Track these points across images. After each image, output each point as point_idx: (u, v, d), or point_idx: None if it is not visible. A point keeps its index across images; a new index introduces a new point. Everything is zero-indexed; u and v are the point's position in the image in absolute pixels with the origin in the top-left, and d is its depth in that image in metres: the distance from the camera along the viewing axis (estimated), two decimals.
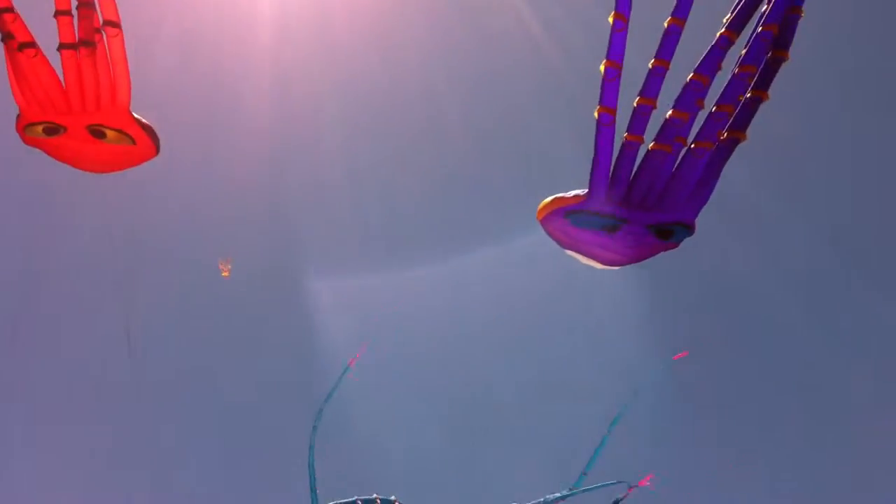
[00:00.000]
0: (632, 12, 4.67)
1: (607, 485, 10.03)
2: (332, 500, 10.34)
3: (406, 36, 20.85)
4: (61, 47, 5.29)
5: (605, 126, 4.80)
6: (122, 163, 5.95)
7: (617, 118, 4.84)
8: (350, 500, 10.46)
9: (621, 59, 4.70)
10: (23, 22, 5.23)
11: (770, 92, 4.76)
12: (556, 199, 5.22)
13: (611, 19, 4.65)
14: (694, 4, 4.72)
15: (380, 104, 21.29)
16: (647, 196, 5.04)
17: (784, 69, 4.74)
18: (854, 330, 20.70)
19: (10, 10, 5.16)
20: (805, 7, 4.67)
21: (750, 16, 4.78)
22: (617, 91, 4.74)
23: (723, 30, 4.76)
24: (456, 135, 21.57)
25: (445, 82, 21.10)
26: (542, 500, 9.91)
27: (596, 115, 4.79)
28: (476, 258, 21.66)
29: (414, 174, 22.00)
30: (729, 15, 4.83)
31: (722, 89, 4.79)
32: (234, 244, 19.65)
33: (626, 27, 4.64)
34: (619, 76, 4.70)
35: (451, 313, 22.00)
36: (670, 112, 4.82)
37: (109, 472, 20.16)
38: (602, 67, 4.71)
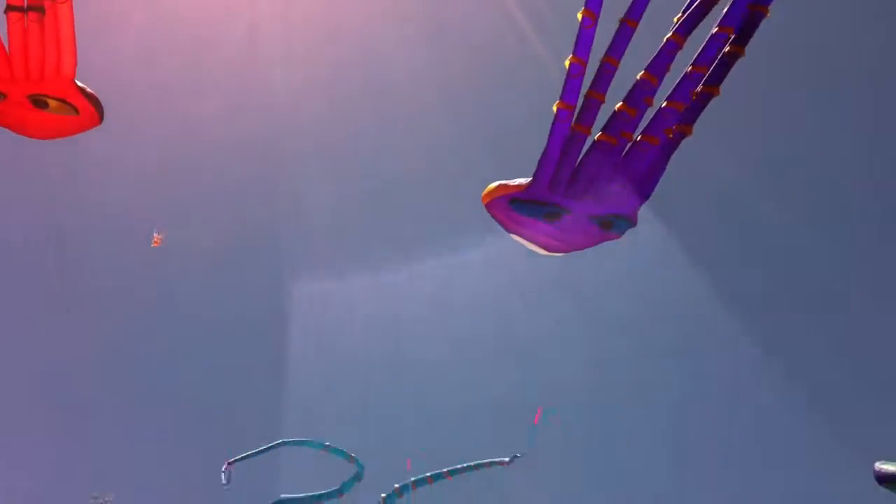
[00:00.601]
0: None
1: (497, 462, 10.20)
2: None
3: (392, 35, 20.87)
4: (8, 9, 5.16)
5: (560, 122, 4.92)
6: (65, 130, 5.86)
7: None
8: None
9: (587, 57, 4.78)
10: None
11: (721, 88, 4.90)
12: (500, 185, 5.32)
13: (580, 16, 4.71)
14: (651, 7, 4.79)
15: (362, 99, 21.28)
16: (589, 187, 5.17)
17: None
18: None
19: None
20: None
21: (702, 18, 4.89)
22: (579, 88, 4.83)
23: (670, 34, 4.87)
24: (442, 135, 21.62)
25: (430, 81, 21.18)
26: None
27: (555, 109, 4.89)
28: (460, 259, 21.73)
29: (397, 174, 21.97)
30: (679, 15, 4.93)
31: (674, 86, 4.92)
32: (190, 222, 19.47)
33: (595, 25, 4.72)
34: (583, 73, 4.79)
35: (434, 313, 22.04)
36: (619, 106, 4.95)
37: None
38: (567, 63, 4.78)
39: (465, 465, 10.12)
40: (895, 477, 7.52)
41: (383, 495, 9.70)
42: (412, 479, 9.72)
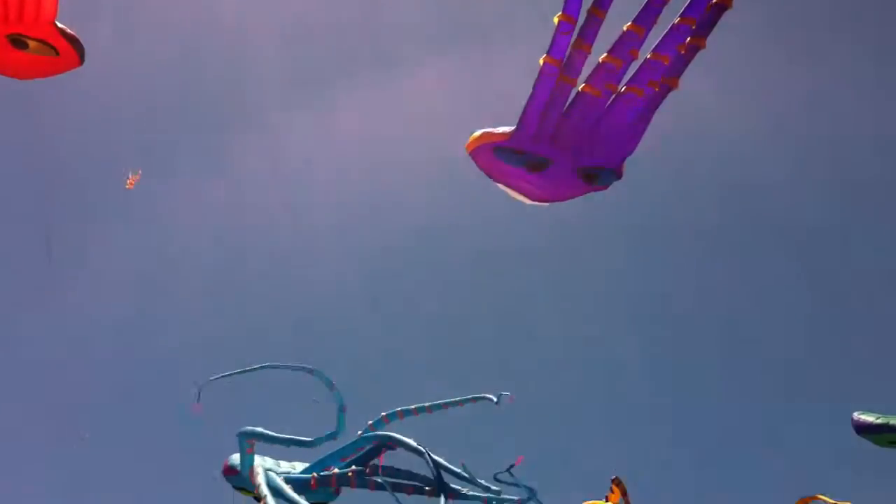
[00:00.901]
0: None
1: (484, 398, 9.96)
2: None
3: None
4: None
5: (547, 76, 4.92)
6: (45, 71, 5.83)
7: None
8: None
9: (577, 14, 4.76)
10: None
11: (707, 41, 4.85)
12: (484, 133, 5.32)
13: None
14: None
15: None
16: (572, 138, 5.18)
17: None
18: None
19: None
20: None
21: None
22: (567, 45, 4.82)
23: None
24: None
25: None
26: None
27: (541, 62, 4.89)
28: None
29: None
30: None
31: (660, 38, 4.89)
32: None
33: None
34: (572, 31, 4.78)
35: None
36: (603, 57, 4.93)
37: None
38: (556, 20, 4.77)
39: (448, 400, 9.83)
40: (873, 427, 7.69)
41: (370, 422, 9.44)
42: (393, 410, 9.42)
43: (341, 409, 9.54)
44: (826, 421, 16.47)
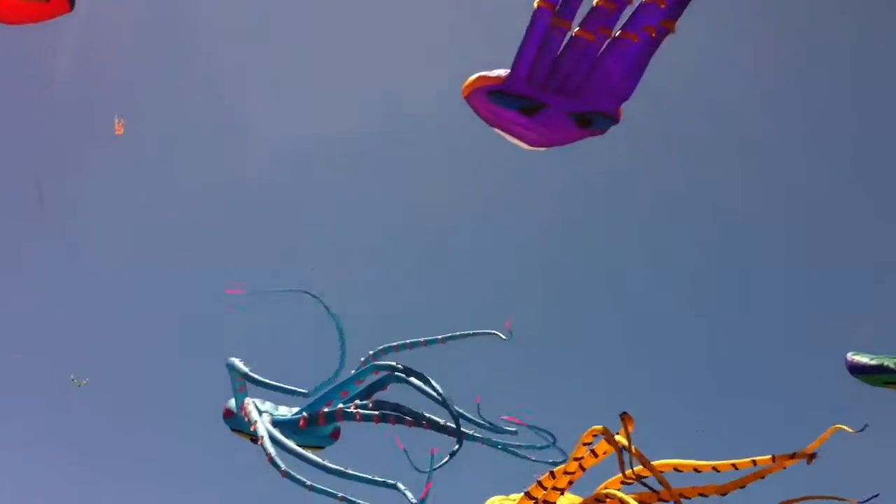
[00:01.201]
0: None
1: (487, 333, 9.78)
2: None
3: None
4: None
5: (541, 18, 4.86)
6: (36, 16, 5.78)
7: None
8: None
9: None
10: None
11: None
12: (479, 77, 5.33)
13: None
14: None
15: None
16: (566, 82, 5.16)
17: None
18: None
19: None
20: None
21: None
22: None
23: None
24: None
25: None
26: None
27: (536, 6, 4.84)
28: None
29: None
30: None
31: None
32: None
33: None
34: None
35: None
36: (597, 1, 4.84)
37: None
38: None
39: (447, 335, 9.40)
40: (867, 367, 7.79)
41: (370, 352, 9.15)
42: (376, 349, 9.17)
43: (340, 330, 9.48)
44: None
